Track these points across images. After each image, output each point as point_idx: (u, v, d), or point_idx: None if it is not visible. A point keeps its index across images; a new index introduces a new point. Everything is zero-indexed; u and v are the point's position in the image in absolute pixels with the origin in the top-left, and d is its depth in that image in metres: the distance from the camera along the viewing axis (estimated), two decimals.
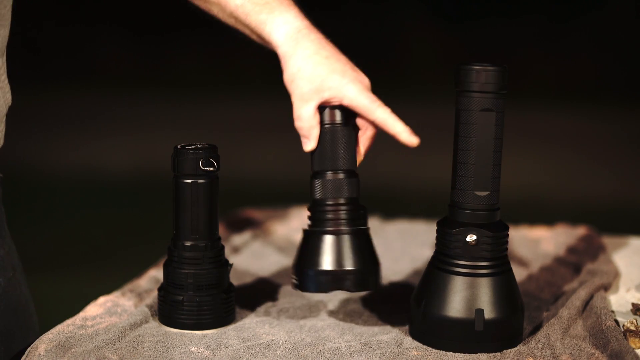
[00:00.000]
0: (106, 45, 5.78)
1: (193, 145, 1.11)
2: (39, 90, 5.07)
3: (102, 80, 5.64)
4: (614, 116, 5.05)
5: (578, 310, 1.15)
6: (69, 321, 1.13)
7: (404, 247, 1.50)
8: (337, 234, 1.08)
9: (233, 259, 1.41)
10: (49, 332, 1.09)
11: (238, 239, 1.53)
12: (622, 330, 1.09)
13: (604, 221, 1.93)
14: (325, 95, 1.08)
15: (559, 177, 4.38)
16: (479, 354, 1.06)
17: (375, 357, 1.04)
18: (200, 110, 5.21)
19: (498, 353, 1.06)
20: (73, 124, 5.10)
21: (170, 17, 5.61)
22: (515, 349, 1.07)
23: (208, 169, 1.11)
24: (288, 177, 4.21)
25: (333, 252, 1.08)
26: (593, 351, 1.05)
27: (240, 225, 1.61)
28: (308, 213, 1.12)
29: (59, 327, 1.10)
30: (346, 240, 1.08)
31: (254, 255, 1.45)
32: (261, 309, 1.20)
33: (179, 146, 1.11)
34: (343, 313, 1.19)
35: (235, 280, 1.27)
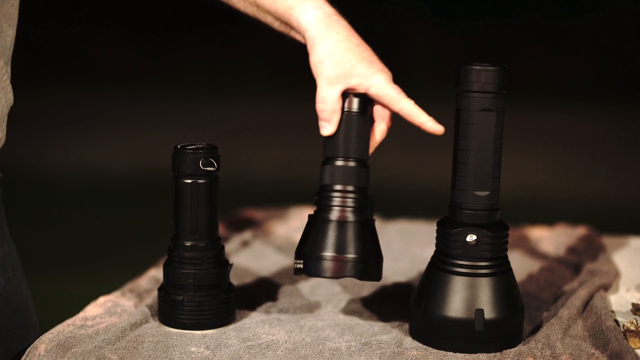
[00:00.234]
0: (106, 45, 5.78)
1: (193, 145, 1.11)
2: (39, 90, 5.07)
3: (102, 80, 5.64)
4: (614, 116, 5.05)
5: (578, 310, 1.15)
6: (69, 321, 1.13)
7: (404, 247, 1.50)
8: (342, 220, 1.08)
9: (233, 259, 1.41)
10: (49, 332, 1.09)
11: (238, 239, 1.53)
12: (622, 330, 1.09)
13: (604, 221, 1.93)
14: (352, 82, 1.08)
15: (559, 177, 4.38)
16: (479, 354, 1.06)
17: (375, 357, 1.04)
18: (200, 110, 5.22)
19: (498, 353, 1.06)
20: (73, 124, 5.10)
21: (170, 17, 5.62)
22: (515, 349, 1.07)
23: (208, 169, 1.11)
24: (288, 177, 4.21)
25: (337, 238, 1.07)
26: (593, 351, 1.05)
27: (240, 225, 1.61)
28: (315, 197, 1.12)
29: (59, 327, 1.10)
30: (351, 227, 1.08)
31: (254, 255, 1.45)
32: (261, 309, 1.20)
33: (179, 146, 1.11)
34: (343, 313, 1.19)
35: (235, 280, 1.27)
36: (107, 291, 1.24)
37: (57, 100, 5.32)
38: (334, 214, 1.08)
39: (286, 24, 1.12)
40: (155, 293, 1.21)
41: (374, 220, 1.11)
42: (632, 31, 5.43)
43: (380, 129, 1.12)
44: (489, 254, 1.06)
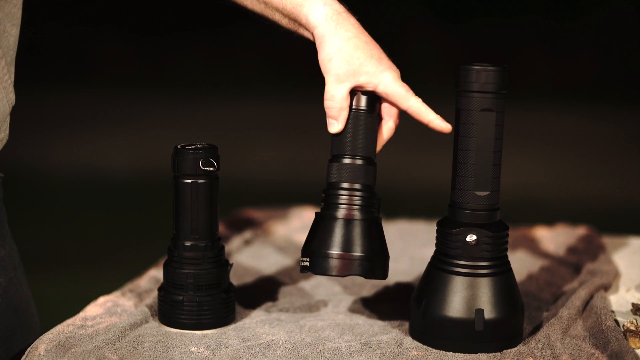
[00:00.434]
0: (106, 45, 5.78)
1: (193, 145, 1.11)
2: (39, 90, 5.07)
3: (102, 80, 5.65)
4: (614, 116, 5.05)
5: (578, 310, 1.15)
6: (69, 321, 1.13)
7: (404, 247, 1.50)
8: (349, 218, 1.08)
9: (233, 259, 1.41)
10: (49, 332, 1.09)
11: (238, 239, 1.53)
12: (622, 330, 1.09)
13: (604, 221, 1.93)
14: (360, 80, 1.08)
15: (559, 177, 4.38)
16: (479, 354, 1.06)
17: (375, 357, 1.04)
18: (200, 110, 5.22)
19: (498, 353, 1.06)
20: (73, 124, 5.10)
21: (170, 17, 5.62)
22: (515, 349, 1.07)
23: (208, 169, 1.11)
24: (288, 177, 4.22)
25: (344, 236, 1.07)
26: (593, 351, 1.05)
27: (240, 225, 1.61)
28: (322, 195, 1.11)
29: (59, 327, 1.10)
30: (358, 225, 1.08)
31: (254, 255, 1.45)
32: (261, 309, 1.20)
33: (179, 146, 1.11)
34: (343, 313, 1.19)
35: (235, 280, 1.27)
36: (107, 291, 1.24)
37: (57, 100, 5.32)
38: (341, 212, 1.08)
39: (294, 20, 1.11)
40: (155, 293, 1.21)
41: (380, 218, 1.11)
42: (632, 31, 5.43)
43: (388, 127, 1.12)
44: (489, 254, 1.06)
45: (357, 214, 1.08)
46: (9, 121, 1.12)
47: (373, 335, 1.11)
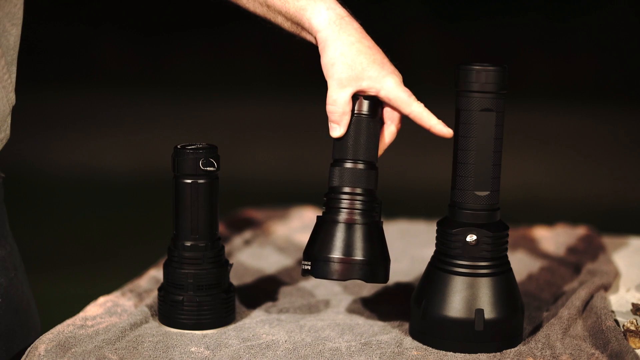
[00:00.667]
0: (106, 45, 5.78)
1: (193, 145, 1.11)
2: (39, 90, 5.07)
3: (102, 80, 5.64)
4: (614, 116, 5.05)
5: (578, 310, 1.15)
6: (69, 321, 1.13)
7: (404, 247, 1.50)
8: (350, 222, 1.08)
9: (233, 259, 1.41)
10: (49, 332, 1.09)
11: (238, 239, 1.53)
12: (622, 330, 1.09)
13: (604, 221, 1.93)
14: (363, 85, 1.08)
15: (559, 177, 4.38)
16: (479, 354, 1.06)
17: (375, 357, 1.04)
18: (200, 110, 5.22)
19: (498, 353, 1.06)
20: (73, 124, 5.10)
21: (170, 17, 5.61)
22: (515, 349, 1.07)
23: (208, 169, 1.11)
24: (288, 177, 4.21)
25: (345, 240, 1.07)
26: (593, 351, 1.05)
27: (240, 225, 1.61)
28: (324, 199, 1.12)
29: (59, 327, 1.10)
30: (359, 230, 1.08)
31: (254, 255, 1.45)
32: (261, 309, 1.20)
33: (179, 146, 1.11)
34: (343, 313, 1.19)
35: (235, 280, 1.27)
36: (107, 291, 1.24)
37: (57, 100, 5.32)
38: (342, 216, 1.08)
39: (297, 24, 1.11)
40: (155, 293, 1.21)
41: (382, 222, 1.11)
42: (632, 31, 5.42)
43: (389, 131, 1.12)
44: (489, 254, 1.06)
45: (358, 218, 1.08)
46: (9, 121, 1.12)
47: (373, 335, 1.11)
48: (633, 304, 1.19)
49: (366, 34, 1.10)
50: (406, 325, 1.13)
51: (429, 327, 1.07)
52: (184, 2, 5.21)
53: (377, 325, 1.15)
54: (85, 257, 3.35)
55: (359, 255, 1.06)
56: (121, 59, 5.77)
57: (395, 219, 1.65)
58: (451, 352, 1.06)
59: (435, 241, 1.10)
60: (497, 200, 1.08)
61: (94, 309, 1.17)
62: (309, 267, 1.08)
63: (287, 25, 1.13)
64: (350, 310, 1.20)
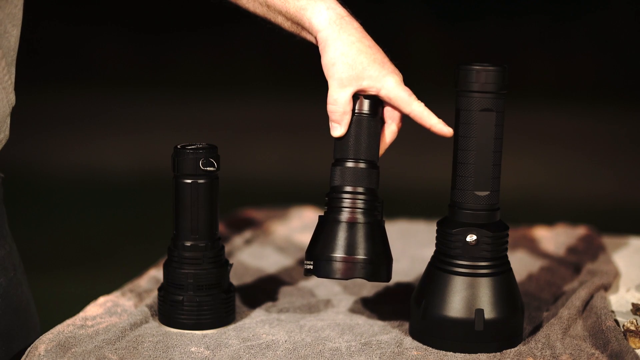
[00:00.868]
0: (106, 45, 5.78)
1: (193, 145, 1.11)
2: (39, 90, 5.07)
3: (102, 80, 5.64)
4: (614, 116, 5.05)
5: (578, 310, 1.15)
6: (69, 321, 1.13)
7: (404, 247, 1.50)
8: (352, 222, 1.08)
9: (233, 259, 1.41)
10: (49, 332, 1.09)
11: (238, 239, 1.53)
12: (622, 330, 1.09)
13: (604, 221, 1.93)
14: (363, 84, 1.08)
15: (559, 177, 4.38)
16: (479, 354, 1.06)
17: (375, 357, 1.04)
18: (200, 110, 5.22)
19: (498, 353, 1.06)
20: (73, 124, 5.10)
21: (170, 17, 5.62)
22: (515, 349, 1.07)
23: (208, 169, 1.11)
24: (288, 177, 4.21)
25: (347, 239, 1.07)
26: (593, 351, 1.05)
27: (240, 225, 1.61)
28: (326, 199, 1.12)
29: (59, 327, 1.10)
30: (361, 229, 1.08)
31: (254, 255, 1.45)
32: (261, 309, 1.20)
33: (179, 146, 1.11)
34: (343, 313, 1.19)
35: (235, 280, 1.27)
36: (107, 291, 1.24)
37: (57, 100, 5.32)
38: (344, 215, 1.08)
39: (297, 24, 1.11)
40: (155, 293, 1.21)
41: (383, 221, 1.11)
42: (632, 31, 5.42)
43: (390, 130, 1.12)
44: (489, 254, 1.06)
45: (360, 217, 1.08)
46: (9, 121, 1.12)
47: (373, 335, 1.11)
48: (633, 304, 1.19)
49: (366, 34, 1.10)
50: (406, 325, 1.13)
51: (429, 327, 1.07)
52: (183, 2, 5.21)
53: (377, 325, 1.15)
54: (85, 257, 3.35)
55: (361, 255, 1.06)
56: (121, 59, 5.77)
57: (395, 219, 1.65)
58: (451, 352, 1.06)
59: (435, 241, 1.10)
60: (497, 200, 1.08)
61: (94, 309, 1.17)
62: (312, 267, 1.08)
63: (287, 25, 1.13)
64: (350, 310, 1.20)
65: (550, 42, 5.62)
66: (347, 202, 1.08)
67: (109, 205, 4.03)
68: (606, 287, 1.25)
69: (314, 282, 1.31)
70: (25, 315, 1.18)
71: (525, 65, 5.34)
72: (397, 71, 1.10)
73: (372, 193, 1.09)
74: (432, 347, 1.07)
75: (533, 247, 1.50)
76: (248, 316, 1.17)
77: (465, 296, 1.05)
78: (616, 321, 1.14)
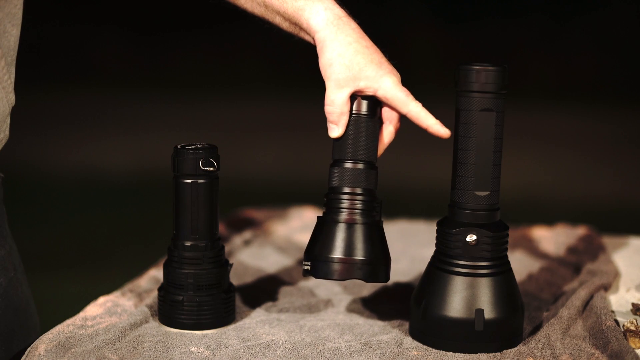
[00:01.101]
0: (106, 45, 5.78)
1: (193, 145, 1.11)
2: (39, 90, 5.07)
3: (102, 80, 5.64)
4: (614, 116, 5.05)
5: (578, 310, 1.15)
6: (69, 321, 1.13)
7: (404, 247, 1.50)
8: (351, 222, 1.08)
9: (233, 259, 1.41)
10: (49, 332, 1.09)
11: (238, 239, 1.53)
12: (622, 330, 1.09)
13: (604, 221, 1.93)
14: (360, 85, 1.08)
15: (559, 177, 4.38)
16: (479, 354, 1.06)
17: (375, 357, 1.04)
18: (201, 110, 5.22)
19: (498, 353, 1.06)
20: (73, 124, 5.10)
21: (170, 17, 5.62)
22: (515, 349, 1.07)
23: (208, 169, 1.11)
24: (288, 177, 4.21)
25: (345, 240, 1.07)
26: (593, 351, 1.05)
27: (240, 225, 1.61)
28: (325, 199, 1.12)
29: (59, 327, 1.10)
30: (359, 230, 1.08)
31: (254, 255, 1.45)
32: (261, 309, 1.20)
33: (179, 146, 1.11)
34: (343, 313, 1.19)
35: (235, 280, 1.27)
36: (107, 291, 1.24)
37: (57, 100, 5.32)
38: (343, 216, 1.08)
39: (295, 24, 1.11)
40: (155, 293, 1.21)
41: (382, 222, 1.11)
42: (632, 31, 5.42)
43: (388, 131, 1.12)
44: (489, 254, 1.06)
45: (358, 218, 1.08)
46: (9, 121, 1.12)
47: (373, 335, 1.11)
48: (633, 304, 1.19)
49: (364, 34, 1.10)
50: (406, 325, 1.13)
51: (429, 327, 1.07)
52: (183, 2, 5.21)
53: (377, 325, 1.15)
54: (85, 257, 3.35)
55: (359, 255, 1.07)
56: (121, 59, 5.77)
57: (395, 219, 1.65)
58: (451, 352, 1.06)
59: (435, 241, 1.10)
60: (497, 200, 1.08)
61: (94, 309, 1.17)
62: (310, 268, 1.08)
63: (285, 25, 1.13)
64: (350, 310, 1.20)
65: (550, 42, 5.62)
66: (345, 203, 1.08)
67: (109, 205, 4.03)
68: (606, 287, 1.25)
69: (314, 282, 1.31)
70: (25, 315, 1.18)
71: (525, 65, 5.34)
72: (394, 71, 1.10)
73: (371, 194, 1.10)
74: (432, 347, 1.07)
75: (533, 247, 1.50)
76: (248, 316, 1.17)
77: (465, 296, 1.05)
78: (616, 321, 1.14)
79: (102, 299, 1.20)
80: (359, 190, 1.09)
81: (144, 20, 5.68)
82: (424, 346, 1.08)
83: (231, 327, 1.14)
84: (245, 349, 1.06)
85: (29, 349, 1.06)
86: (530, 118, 4.78)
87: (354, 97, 1.09)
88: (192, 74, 5.69)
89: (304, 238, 1.11)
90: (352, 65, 1.07)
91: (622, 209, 3.85)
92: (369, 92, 1.08)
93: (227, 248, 1.40)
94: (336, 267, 1.07)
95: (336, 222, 1.08)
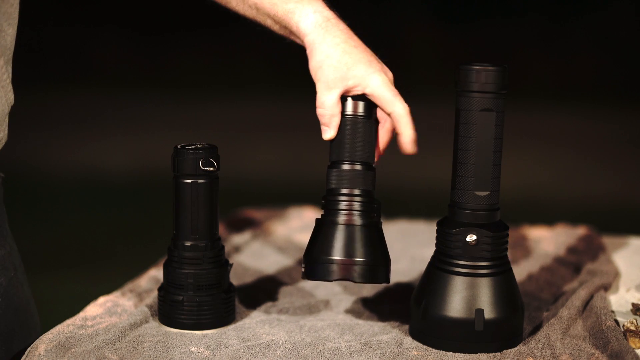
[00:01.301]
0: (106, 45, 5.78)
1: (193, 145, 1.11)
2: (39, 90, 5.07)
3: (102, 80, 5.65)
4: (614, 116, 5.05)
5: (578, 310, 1.15)
6: (69, 321, 1.13)
7: (404, 247, 1.50)
8: (349, 224, 1.08)
9: (233, 259, 1.41)
10: (49, 332, 1.09)
11: (238, 239, 1.53)
12: (622, 330, 1.09)
13: (604, 221, 1.93)
14: (349, 84, 1.08)
15: (559, 177, 4.38)
16: (479, 354, 1.06)
17: (375, 357, 1.04)
18: (200, 110, 5.22)
19: (498, 353, 1.06)
20: (73, 124, 5.10)
21: (170, 17, 5.62)
22: (515, 349, 1.07)
23: (208, 169, 1.11)
24: (288, 177, 4.22)
25: (344, 242, 1.07)
26: (593, 351, 1.05)
27: (240, 225, 1.61)
28: (322, 202, 1.11)
29: (59, 327, 1.10)
30: (357, 231, 1.08)
31: (254, 255, 1.45)
32: (261, 309, 1.20)
33: (179, 146, 1.11)
34: (343, 313, 1.19)
35: (235, 280, 1.27)
36: (107, 291, 1.24)
37: (57, 100, 5.32)
38: (341, 218, 1.08)
39: (286, 27, 1.12)
40: (155, 293, 1.21)
41: (381, 223, 1.11)
42: (632, 31, 5.43)
43: (385, 129, 1.12)
44: (489, 254, 1.06)
45: (357, 220, 1.08)
46: (7, 121, 1.12)
47: (373, 335, 1.11)
48: (633, 304, 1.19)
49: (353, 34, 1.10)
50: (406, 325, 1.13)
51: (429, 327, 1.07)
52: (184, 2, 5.21)
53: (377, 325, 1.15)
54: (85, 257, 3.35)
55: (358, 257, 1.06)
56: (121, 59, 5.78)
57: (395, 219, 1.65)
58: (451, 352, 1.06)
59: (435, 241, 1.10)
60: (497, 200, 1.08)
61: (94, 309, 1.17)
62: (309, 270, 1.08)
63: (276, 28, 1.14)
64: (350, 310, 1.20)
65: (550, 42, 5.62)
66: (343, 205, 1.08)
67: (109, 205, 4.04)
68: (606, 287, 1.25)
69: (314, 282, 1.31)
70: (25, 315, 1.18)
71: (525, 65, 5.35)
72: (385, 70, 1.10)
73: (369, 195, 1.09)
74: (432, 347, 1.07)
75: (533, 247, 1.50)
76: (248, 316, 1.17)
77: (465, 296, 1.05)
78: (616, 321, 1.14)
79: (102, 299, 1.20)
80: (357, 192, 1.09)
81: (144, 20, 5.68)
82: (424, 346, 1.08)
83: (231, 327, 1.14)
84: (245, 349, 1.06)
85: (29, 349, 1.06)
86: (530, 118, 4.79)
87: (347, 97, 1.09)
88: (192, 74, 5.69)
89: (304, 238, 1.11)
90: (340, 66, 1.07)
91: (622, 209, 3.85)
92: (358, 91, 1.08)
93: (227, 248, 1.40)
94: (335, 268, 1.07)
95: (334, 223, 1.08)
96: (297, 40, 1.12)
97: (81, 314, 1.15)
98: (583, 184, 4.25)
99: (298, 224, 1.61)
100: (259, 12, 1.13)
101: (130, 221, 3.74)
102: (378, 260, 1.07)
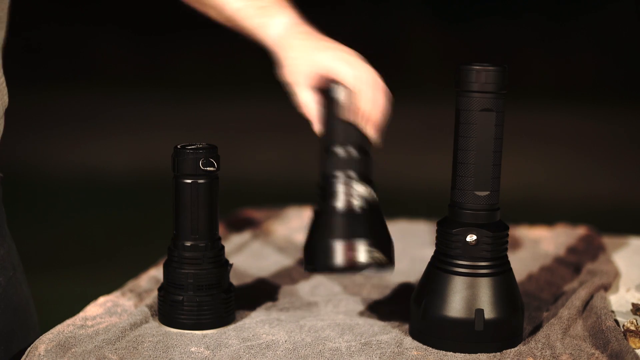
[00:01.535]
0: (106, 45, 5.79)
1: (193, 145, 1.11)
2: (39, 90, 5.08)
3: (102, 80, 5.65)
4: (614, 116, 5.05)
5: (578, 310, 1.15)
6: (69, 321, 1.13)
7: (404, 247, 1.50)
8: (347, 208, 1.07)
9: (233, 259, 1.41)
10: (49, 332, 1.09)
11: (238, 238, 1.53)
12: (622, 330, 1.09)
13: (604, 221, 1.93)
14: (314, 74, 1.10)
15: (559, 177, 4.38)
16: (479, 354, 1.06)
17: (375, 357, 1.04)
18: (200, 110, 5.22)
19: (498, 353, 1.06)
20: (73, 124, 5.10)
21: (170, 17, 5.61)
22: (515, 349, 1.07)
23: (208, 169, 1.11)
24: (288, 177, 4.22)
25: (344, 227, 1.06)
26: (593, 351, 1.05)
27: (240, 225, 1.61)
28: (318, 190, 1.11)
29: (59, 327, 1.10)
30: (357, 216, 1.06)
31: (254, 255, 1.45)
32: (261, 309, 1.20)
33: (179, 146, 1.11)
34: (343, 313, 1.19)
35: (235, 280, 1.27)
36: (107, 291, 1.24)
37: (57, 100, 5.32)
38: (338, 204, 1.07)
39: (259, 42, 1.17)
40: (155, 293, 1.21)
41: (379, 204, 1.09)
42: (632, 31, 5.43)
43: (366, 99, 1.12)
44: (489, 254, 1.06)
45: (355, 203, 1.07)
46: (3, 122, 1.12)
47: (373, 335, 1.11)
48: (633, 304, 1.19)
49: (316, 33, 1.12)
50: (406, 325, 1.13)
51: (429, 327, 1.07)
52: (180, 4, 5.21)
53: (377, 325, 1.15)
54: (85, 257, 3.35)
55: (360, 241, 1.05)
56: (121, 59, 5.78)
57: (395, 219, 1.65)
58: (451, 352, 1.06)
59: (435, 241, 1.10)
60: (497, 200, 1.08)
61: (94, 309, 1.17)
62: (311, 262, 1.07)
63: (251, 38, 1.17)
64: (350, 310, 1.20)
65: (550, 42, 5.62)
66: (339, 189, 1.07)
67: (109, 205, 4.04)
68: (606, 287, 1.25)
69: (314, 282, 1.31)
70: (24, 315, 1.18)
71: (525, 65, 5.35)
72: (347, 50, 1.10)
73: (365, 178, 1.08)
74: (432, 347, 1.07)
75: (533, 247, 1.50)
76: (248, 316, 1.17)
77: (465, 296, 1.05)
78: (616, 321, 1.14)
79: (102, 299, 1.20)
80: (352, 174, 1.08)
81: (144, 20, 5.69)
82: (424, 346, 1.08)
83: (231, 327, 1.14)
84: (245, 349, 1.06)
85: (29, 349, 1.06)
86: (530, 118, 4.79)
87: (324, 89, 1.10)
88: (192, 74, 5.69)
89: (304, 238, 1.10)
90: (306, 62, 1.10)
91: (622, 209, 3.85)
92: (325, 74, 1.09)
93: (227, 248, 1.40)
94: (338, 256, 1.05)
95: (331, 210, 1.06)
96: (270, 50, 1.16)
97: (81, 314, 1.15)
98: (583, 184, 4.25)
99: (298, 224, 1.61)
100: (235, 25, 1.18)
101: (130, 221, 3.74)
102: (380, 243, 1.06)
